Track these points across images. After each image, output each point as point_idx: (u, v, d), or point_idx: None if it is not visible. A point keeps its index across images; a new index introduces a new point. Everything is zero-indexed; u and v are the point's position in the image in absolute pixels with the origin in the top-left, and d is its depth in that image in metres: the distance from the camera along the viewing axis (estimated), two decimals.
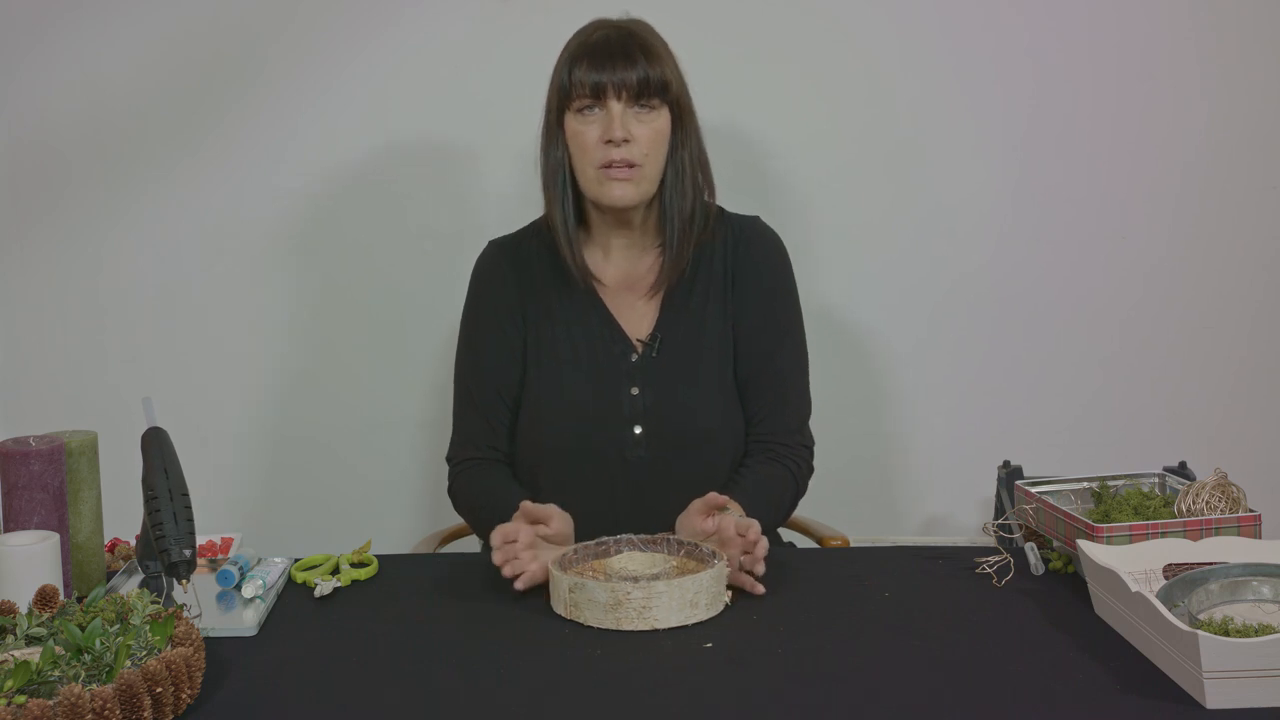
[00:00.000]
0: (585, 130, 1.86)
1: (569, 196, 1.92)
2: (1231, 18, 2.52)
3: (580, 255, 1.94)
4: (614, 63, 1.84)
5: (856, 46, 2.52)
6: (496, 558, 1.65)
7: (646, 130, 1.86)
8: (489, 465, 1.97)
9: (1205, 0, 2.51)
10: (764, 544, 1.66)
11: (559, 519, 1.74)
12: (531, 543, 1.68)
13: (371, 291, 2.59)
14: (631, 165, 1.85)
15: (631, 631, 1.53)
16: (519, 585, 1.64)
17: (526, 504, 1.73)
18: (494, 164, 2.53)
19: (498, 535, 1.67)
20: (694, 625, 1.55)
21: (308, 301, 2.59)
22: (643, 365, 1.94)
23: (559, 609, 1.59)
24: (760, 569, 1.65)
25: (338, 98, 2.53)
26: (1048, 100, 2.54)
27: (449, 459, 2.02)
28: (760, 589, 1.65)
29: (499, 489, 1.92)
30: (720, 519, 1.70)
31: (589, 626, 1.55)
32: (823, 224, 2.53)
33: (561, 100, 1.88)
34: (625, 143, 1.84)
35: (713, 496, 1.73)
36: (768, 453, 1.96)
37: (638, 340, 1.95)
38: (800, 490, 1.99)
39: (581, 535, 1.75)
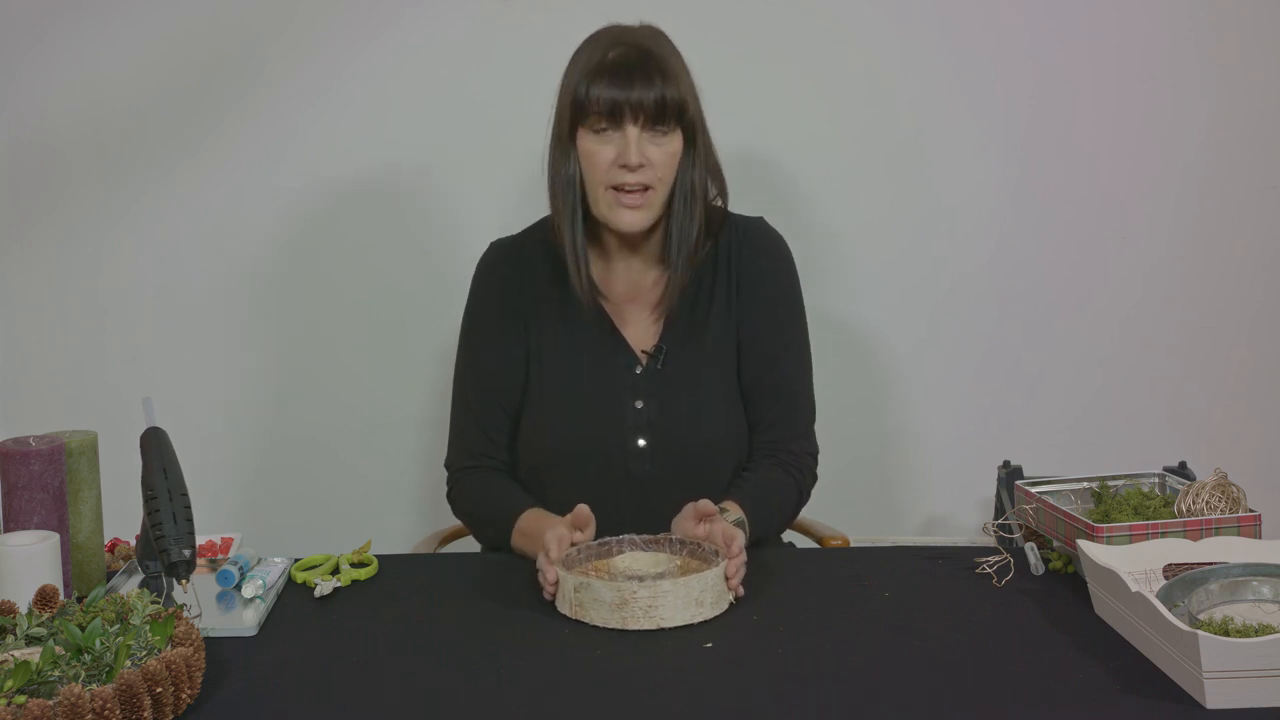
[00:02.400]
0: (599, 150, 1.84)
1: (579, 213, 1.90)
2: (1231, 18, 2.52)
3: (588, 274, 1.92)
4: (632, 84, 1.81)
5: (856, 46, 2.52)
6: (551, 575, 1.63)
7: (660, 153, 1.84)
8: (488, 473, 1.97)
9: (1205, 0, 2.51)
10: (742, 559, 1.64)
11: (592, 526, 1.74)
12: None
13: (371, 292, 2.59)
14: (645, 189, 1.84)
15: (634, 631, 1.53)
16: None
17: (581, 508, 1.72)
18: (494, 164, 2.53)
19: (555, 548, 1.65)
20: (694, 625, 1.55)
21: (307, 301, 2.59)
22: (647, 377, 1.93)
23: (564, 609, 1.59)
24: (734, 582, 1.63)
25: (338, 98, 2.53)
26: (1048, 100, 2.54)
27: (447, 465, 2.02)
28: (738, 592, 1.64)
29: (502, 497, 1.92)
30: (710, 526, 1.70)
31: (592, 626, 1.55)
32: (823, 224, 2.53)
33: (575, 116, 1.85)
34: (640, 167, 1.83)
35: (704, 505, 1.72)
36: (771, 459, 1.95)
37: (642, 352, 1.95)
38: (803, 498, 1.99)
39: None
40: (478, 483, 1.96)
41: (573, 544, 1.69)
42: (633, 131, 1.82)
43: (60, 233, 2.56)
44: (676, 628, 1.54)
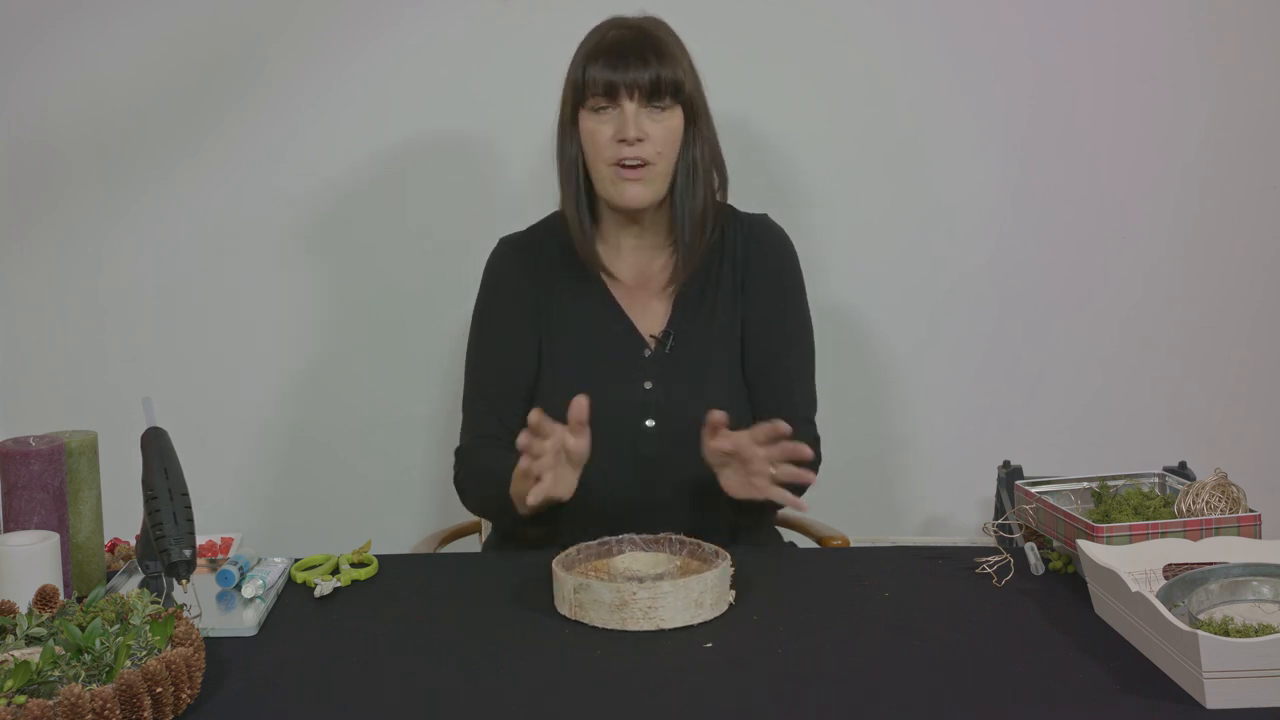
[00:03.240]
0: (599, 129, 1.88)
1: (583, 193, 1.94)
2: (1231, 18, 2.52)
3: (594, 248, 1.96)
4: (627, 63, 1.86)
5: (856, 46, 2.52)
6: (521, 440, 1.66)
7: (659, 129, 1.88)
8: (493, 445, 1.96)
9: (1205, 0, 2.51)
10: (796, 443, 1.66)
11: (586, 436, 1.74)
12: (558, 450, 1.69)
13: (371, 291, 2.59)
14: (644, 164, 1.87)
15: (634, 631, 1.53)
16: (530, 499, 1.66)
17: (580, 400, 1.72)
18: (494, 163, 2.53)
19: (532, 419, 1.66)
20: (695, 625, 1.55)
21: (308, 301, 2.59)
22: (655, 360, 1.95)
23: (563, 609, 1.59)
24: (806, 453, 1.65)
25: (338, 98, 2.53)
26: (1048, 100, 2.54)
27: (458, 451, 2.02)
28: (803, 505, 1.65)
29: (501, 461, 1.90)
30: (735, 435, 1.70)
31: (591, 626, 1.55)
32: (823, 224, 2.53)
33: (576, 98, 1.90)
34: (638, 141, 1.86)
35: (713, 414, 1.73)
36: None
37: (650, 336, 1.97)
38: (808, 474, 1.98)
39: (594, 527, 1.75)
40: (489, 451, 1.95)
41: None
42: (630, 107, 1.86)
43: (60, 233, 2.56)
44: (676, 629, 1.54)
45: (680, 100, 1.89)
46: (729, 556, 1.64)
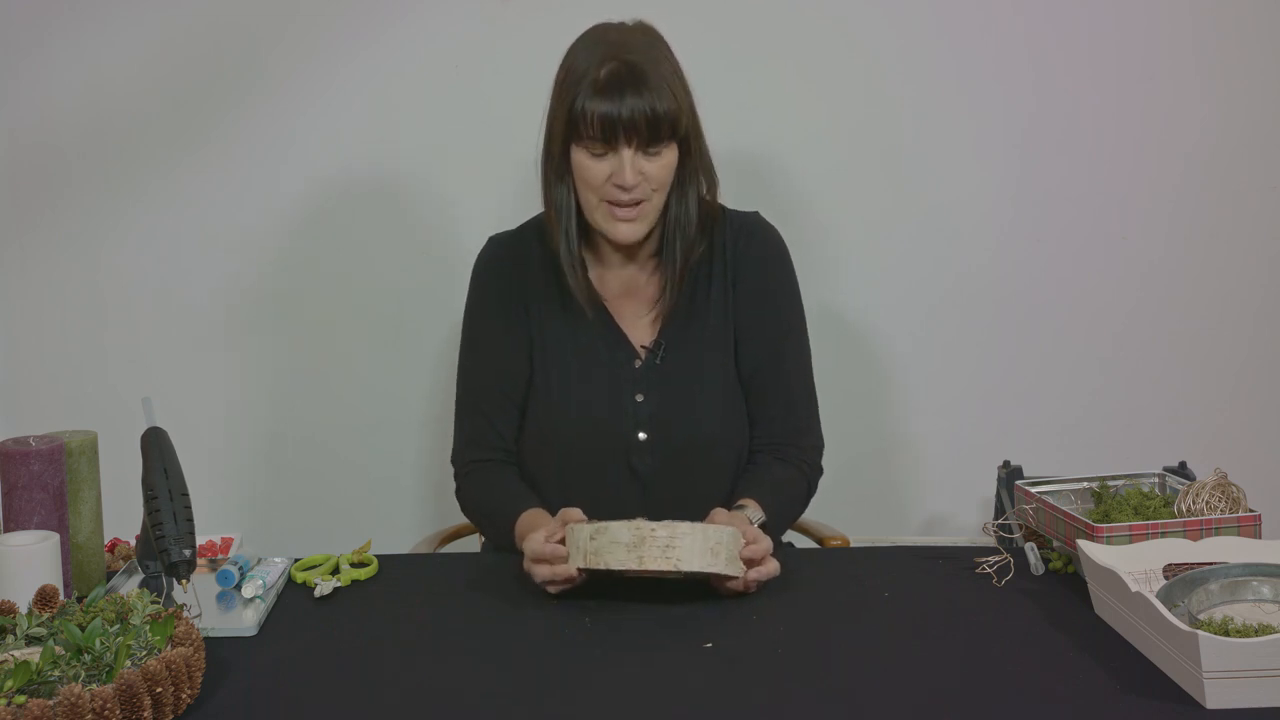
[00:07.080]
0: (594, 165, 1.83)
1: (574, 225, 1.90)
2: (1231, 18, 2.52)
3: (584, 281, 1.93)
4: (624, 101, 1.78)
5: (856, 46, 2.52)
6: (542, 572, 1.63)
7: (654, 166, 1.83)
8: (497, 467, 1.96)
9: (1205, 0, 2.51)
10: (772, 567, 1.66)
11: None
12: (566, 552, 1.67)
13: (371, 291, 2.59)
14: (638, 203, 1.84)
15: (636, 620, 1.53)
16: (553, 589, 1.64)
17: (566, 510, 1.71)
18: (493, 163, 2.53)
19: (540, 551, 1.64)
20: (694, 625, 1.55)
21: (307, 301, 2.59)
22: (646, 372, 1.94)
23: (578, 561, 1.58)
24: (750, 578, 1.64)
25: (338, 97, 2.53)
26: (1048, 100, 2.54)
27: (454, 461, 2.02)
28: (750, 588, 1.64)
29: (510, 495, 1.91)
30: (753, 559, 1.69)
31: (591, 626, 1.55)
32: (822, 224, 2.53)
33: (569, 132, 1.84)
34: (635, 187, 1.82)
35: (752, 550, 1.68)
36: (778, 457, 1.95)
37: (641, 347, 1.95)
38: (811, 491, 1.99)
39: None
40: (483, 480, 1.96)
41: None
42: (627, 153, 1.81)
43: (60, 233, 2.55)
44: (676, 626, 1.54)
45: (676, 137, 1.83)
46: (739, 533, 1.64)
